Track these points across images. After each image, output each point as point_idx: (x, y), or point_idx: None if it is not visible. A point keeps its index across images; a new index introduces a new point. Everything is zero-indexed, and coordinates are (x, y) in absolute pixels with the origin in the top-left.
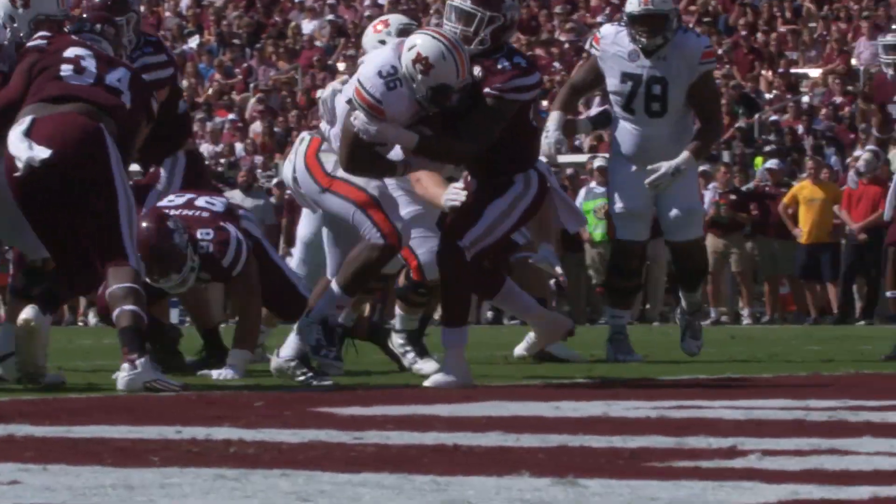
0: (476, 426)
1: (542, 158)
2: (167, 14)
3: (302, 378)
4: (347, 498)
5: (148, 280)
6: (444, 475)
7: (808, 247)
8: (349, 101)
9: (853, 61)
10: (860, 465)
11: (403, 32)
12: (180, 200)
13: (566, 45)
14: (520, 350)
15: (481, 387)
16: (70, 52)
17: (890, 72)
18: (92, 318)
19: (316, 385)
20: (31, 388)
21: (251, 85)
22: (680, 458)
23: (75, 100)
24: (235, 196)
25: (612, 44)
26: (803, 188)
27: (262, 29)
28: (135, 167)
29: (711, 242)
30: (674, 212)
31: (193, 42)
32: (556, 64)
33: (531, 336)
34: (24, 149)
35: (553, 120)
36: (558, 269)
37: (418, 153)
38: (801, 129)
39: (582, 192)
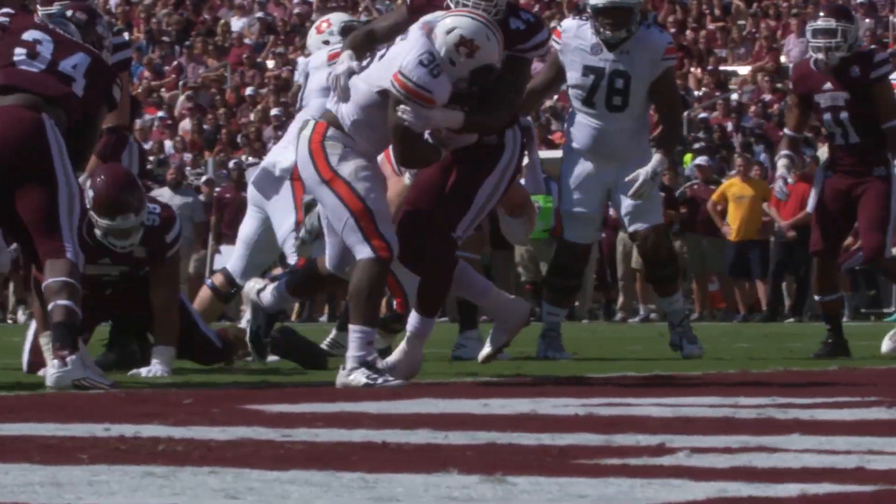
0: (405, 423)
1: None
2: None
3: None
4: (275, 495)
5: (99, 233)
6: (372, 472)
7: (737, 244)
8: (381, 92)
9: (782, 59)
10: (789, 463)
11: (346, 30)
12: None
13: None
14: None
15: (410, 384)
16: (28, 35)
17: (820, 56)
18: (21, 316)
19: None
20: None
21: (180, 82)
22: (608, 455)
23: (21, 90)
24: (164, 194)
25: (574, 37)
26: (732, 185)
27: (191, 26)
28: None
29: None
30: (630, 202)
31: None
32: None
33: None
34: None
35: None
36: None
37: (463, 131)
38: (730, 126)
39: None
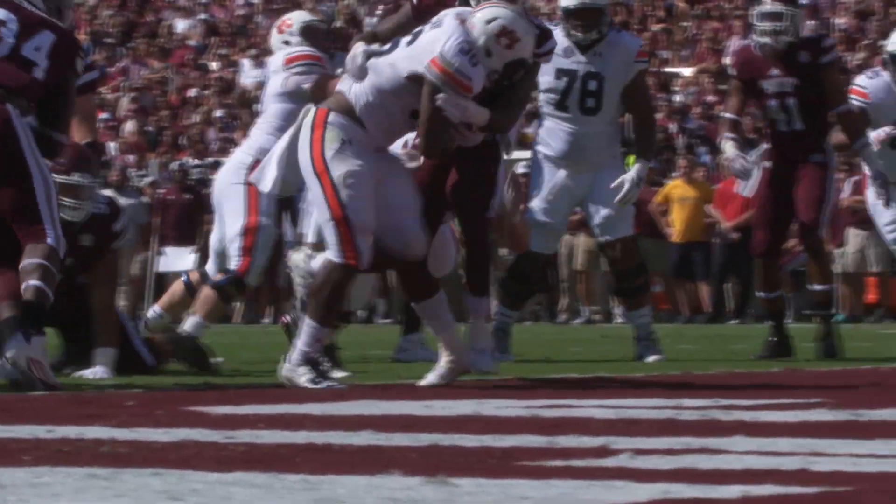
0: (347, 425)
1: None
2: None
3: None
4: (218, 497)
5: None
6: (315, 474)
7: (680, 246)
8: (410, 77)
9: (726, 60)
10: (732, 464)
11: (306, 31)
12: None
13: None
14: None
15: (353, 386)
16: None
17: (767, 40)
18: None
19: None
20: None
21: (124, 84)
22: (551, 457)
23: None
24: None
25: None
26: (675, 187)
27: (134, 28)
28: None
29: (584, 242)
30: (605, 211)
31: None
32: None
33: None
34: None
35: None
36: None
37: (485, 129)
38: (673, 128)
39: None
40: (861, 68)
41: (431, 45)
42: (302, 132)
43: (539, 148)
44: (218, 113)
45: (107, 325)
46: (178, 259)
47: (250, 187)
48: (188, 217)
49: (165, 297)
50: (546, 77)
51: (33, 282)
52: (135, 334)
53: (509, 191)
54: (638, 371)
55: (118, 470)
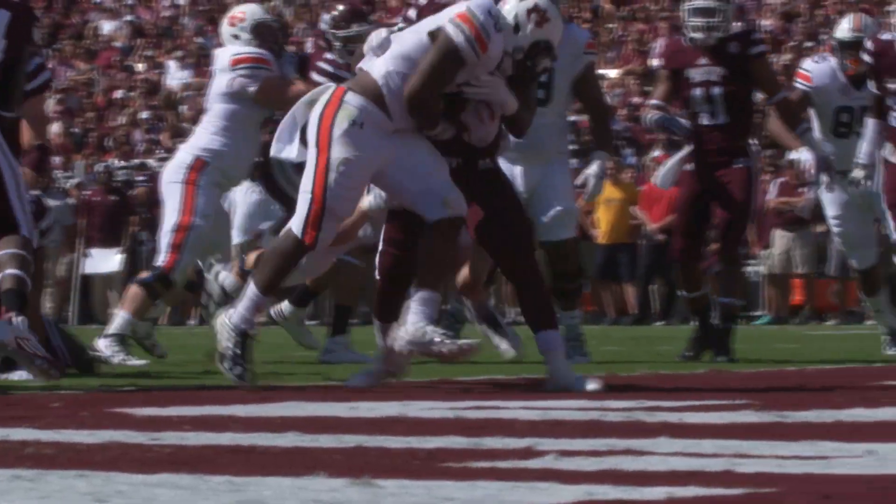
0: (272, 427)
1: None
2: None
3: (441, 338)
4: (143, 499)
5: None
6: (240, 475)
7: (606, 247)
8: (432, 33)
9: (652, 62)
10: (656, 466)
11: (257, 28)
12: None
13: None
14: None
15: (278, 387)
16: None
17: (698, 35)
18: None
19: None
20: None
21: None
22: (476, 458)
23: None
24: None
25: None
26: None
27: (60, 29)
28: None
29: None
30: (552, 212)
31: None
32: None
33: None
34: None
35: None
36: None
37: (504, 121)
38: None
39: None
40: (787, 69)
41: (456, 9)
42: (316, 106)
43: None
44: (144, 115)
45: (32, 326)
46: (103, 261)
47: (188, 186)
48: (114, 219)
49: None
50: None
51: (11, 270)
52: (55, 335)
53: None
54: None
55: (43, 471)
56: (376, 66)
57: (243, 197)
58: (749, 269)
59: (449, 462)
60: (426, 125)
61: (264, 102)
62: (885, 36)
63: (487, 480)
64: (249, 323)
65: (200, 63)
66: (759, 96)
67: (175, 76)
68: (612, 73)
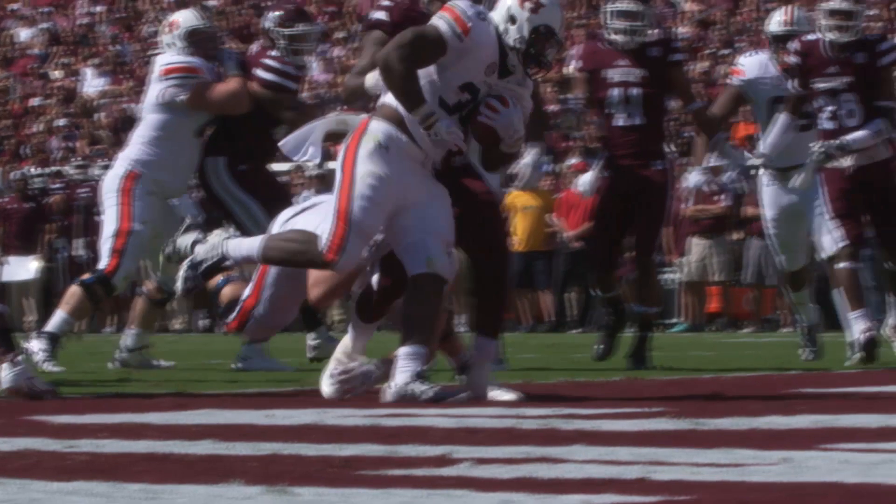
0: (188, 435)
1: None
2: None
3: (431, 393)
4: None
5: None
6: (155, 483)
7: (522, 255)
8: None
9: (568, 69)
10: (572, 473)
11: (191, 36)
12: None
13: None
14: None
15: (194, 395)
16: None
17: (619, 38)
18: None
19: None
20: None
21: None
22: (392, 466)
23: None
24: None
25: None
26: (518, 196)
27: None
28: None
29: None
30: None
31: None
32: None
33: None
34: None
35: None
36: None
37: (507, 141)
38: None
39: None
40: (704, 76)
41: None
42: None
43: None
44: (60, 122)
45: None
46: (20, 268)
47: (123, 196)
48: (30, 226)
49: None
50: None
51: None
52: None
53: None
54: None
55: None
56: (389, 96)
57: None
58: (665, 276)
59: (364, 470)
60: (399, 97)
61: (197, 108)
62: (811, 36)
63: (402, 488)
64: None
65: (117, 70)
66: (674, 106)
67: (91, 84)
68: None
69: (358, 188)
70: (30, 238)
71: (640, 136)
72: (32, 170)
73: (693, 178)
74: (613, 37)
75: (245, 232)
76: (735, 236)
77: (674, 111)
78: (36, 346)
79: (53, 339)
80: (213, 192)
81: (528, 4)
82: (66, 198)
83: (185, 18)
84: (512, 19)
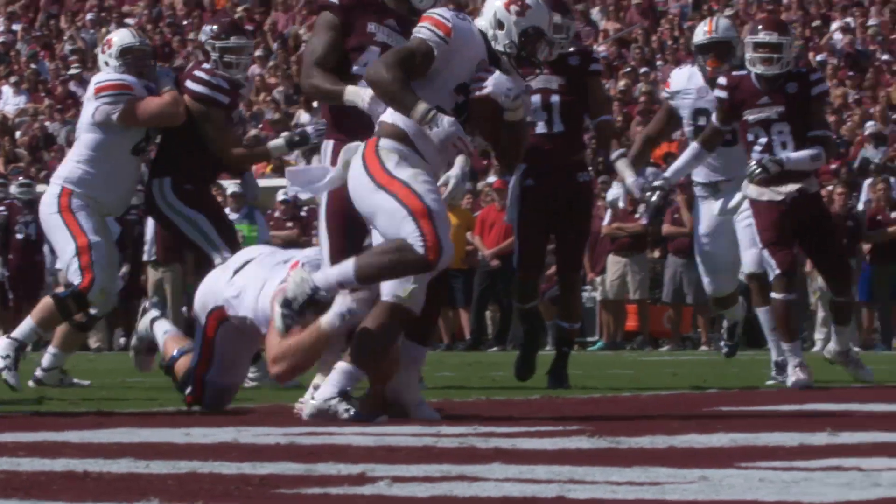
0: (106, 453)
1: None
2: None
3: (347, 416)
4: None
5: None
6: (73, 502)
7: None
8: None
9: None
10: (489, 492)
11: (124, 53)
12: None
13: None
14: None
15: (112, 413)
16: None
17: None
18: None
19: (359, 418)
20: None
21: None
22: (309, 484)
23: None
24: None
25: None
26: None
27: None
28: None
29: None
30: None
31: None
32: None
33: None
34: None
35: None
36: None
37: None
38: None
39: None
40: (622, 94)
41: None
42: (353, 167)
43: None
44: None
45: None
46: None
47: (65, 214)
48: None
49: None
50: None
51: None
52: None
53: None
54: None
55: None
56: (390, 113)
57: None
58: (583, 294)
59: (282, 488)
60: (393, 103)
61: (131, 124)
62: (738, 72)
63: None
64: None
65: (36, 89)
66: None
67: (10, 102)
68: None
69: (418, 187)
70: None
71: (561, 143)
72: None
73: (613, 192)
74: None
75: (195, 249)
76: (653, 254)
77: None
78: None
79: (16, 348)
80: (161, 213)
81: (514, 8)
82: None
83: (119, 37)
84: (500, 24)
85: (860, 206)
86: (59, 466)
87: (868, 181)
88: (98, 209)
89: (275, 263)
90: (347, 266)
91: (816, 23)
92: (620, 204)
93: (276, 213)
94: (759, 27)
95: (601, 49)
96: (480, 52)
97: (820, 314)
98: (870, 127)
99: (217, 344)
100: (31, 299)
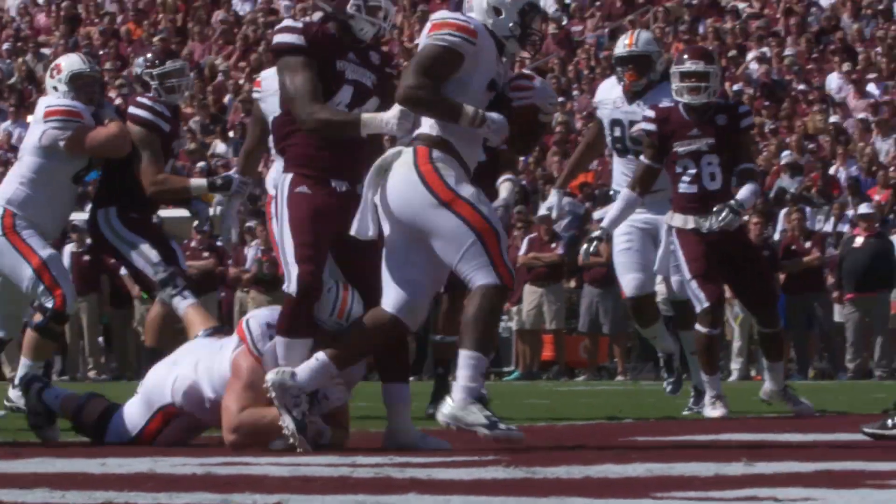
0: (22, 483)
1: None
2: None
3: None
4: None
5: None
6: None
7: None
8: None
9: None
10: None
11: (73, 79)
12: None
13: None
14: None
15: (28, 443)
16: None
17: None
18: None
19: (502, 431)
20: None
21: None
22: None
23: None
24: None
25: (273, 81)
26: None
27: None
28: None
29: (255, 298)
30: None
31: None
32: None
33: None
34: None
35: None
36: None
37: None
38: None
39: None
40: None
41: (424, 31)
42: (400, 173)
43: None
44: None
45: None
46: None
47: (11, 236)
48: None
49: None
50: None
51: None
52: None
53: None
54: None
55: None
56: (427, 126)
57: None
58: (500, 324)
59: None
60: (440, 116)
61: (77, 152)
62: (666, 103)
63: None
64: (481, 385)
65: None
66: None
67: None
68: None
69: (483, 208)
70: None
71: (485, 169)
72: None
73: (550, 200)
74: None
75: (138, 275)
76: (569, 284)
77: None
78: (14, 395)
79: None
80: (106, 240)
81: None
82: None
83: (69, 62)
84: (496, 11)
85: (776, 236)
86: None
87: (784, 211)
88: (36, 231)
89: (213, 348)
90: (469, 358)
91: (732, 52)
92: (554, 214)
93: (193, 244)
94: (685, 56)
95: None
96: (494, 44)
97: (736, 344)
98: (786, 157)
99: (158, 439)
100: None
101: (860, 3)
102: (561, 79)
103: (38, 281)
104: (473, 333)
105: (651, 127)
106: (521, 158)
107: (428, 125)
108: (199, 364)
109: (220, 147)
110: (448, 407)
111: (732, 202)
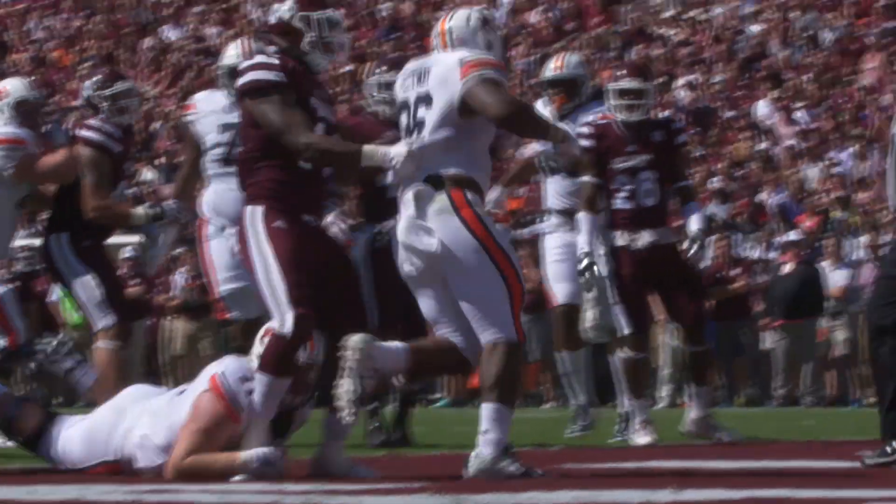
0: None
1: None
2: None
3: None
4: None
5: None
6: None
7: None
8: (460, 108)
9: None
10: None
11: (19, 106)
12: None
13: None
14: None
15: None
16: None
17: (382, 109)
18: None
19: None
20: None
21: None
22: None
23: None
24: None
25: (207, 103)
26: None
27: None
28: None
29: (182, 326)
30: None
31: None
32: None
33: None
34: None
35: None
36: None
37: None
38: None
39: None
40: None
41: (448, 73)
42: (440, 220)
43: (208, 215)
44: None
45: None
46: None
47: None
48: None
49: None
50: (211, 136)
51: None
52: None
53: None
54: None
55: None
56: (454, 165)
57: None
58: None
59: None
60: (537, 131)
61: (24, 180)
62: (601, 120)
63: None
64: (507, 437)
65: None
66: None
67: None
68: None
69: (514, 259)
70: None
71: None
72: None
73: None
74: (375, 107)
75: (81, 305)
76: None
77: None
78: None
79: None
80: (56, 267)
81: (488, 28)
82: None
83: (13, 88)
84: (489, 45)
85: (706, 262)
86: None
87: (712, 238)
88: None
89: (168, 395)
90: (498, 412)
91: (661, 79)
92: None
93: (123, 270)
94: (622, 73)
95: None
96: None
97: (665, 371)
98: (714, 183)
99: None
100: None
101: (788, 31)
102: None
103: None
104: (502, 393)
105: (588, 143)
106: None
107: (455, 164)
108: (153, 414)
109: (147, 174)
110: (480, 462)
111: (693, 235)
